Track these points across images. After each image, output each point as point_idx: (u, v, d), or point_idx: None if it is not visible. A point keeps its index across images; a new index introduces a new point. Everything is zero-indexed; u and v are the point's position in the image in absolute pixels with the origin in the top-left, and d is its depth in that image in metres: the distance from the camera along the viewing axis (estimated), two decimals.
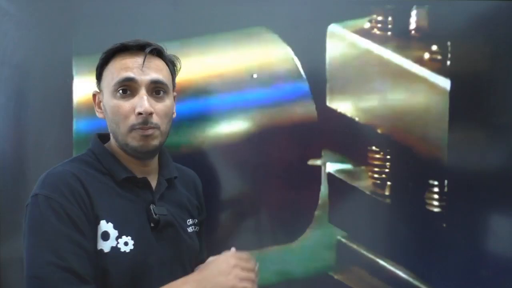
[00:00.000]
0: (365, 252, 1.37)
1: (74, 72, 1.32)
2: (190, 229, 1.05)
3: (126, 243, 0.91)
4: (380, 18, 1.35)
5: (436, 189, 1.36)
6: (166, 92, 0.96)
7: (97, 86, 1.00)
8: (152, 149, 0.95)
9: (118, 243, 0.90)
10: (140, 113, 0.91)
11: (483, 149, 1.37)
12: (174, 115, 1.03)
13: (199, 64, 1.33)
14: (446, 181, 1.35)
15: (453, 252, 1.37)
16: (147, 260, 0.93)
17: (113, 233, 0.90)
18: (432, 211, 1.36)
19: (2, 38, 1.33)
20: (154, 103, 0.94)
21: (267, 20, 1.34)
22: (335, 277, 1.37)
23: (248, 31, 1.35)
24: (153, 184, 1.00)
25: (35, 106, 1.33)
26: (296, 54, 1.35)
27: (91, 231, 0.88)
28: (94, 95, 1.00)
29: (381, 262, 1.37)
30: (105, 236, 0.89)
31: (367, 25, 1.35)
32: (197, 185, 1.17)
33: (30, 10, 1.33)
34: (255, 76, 1.35)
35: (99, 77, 0.98)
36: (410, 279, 1.37)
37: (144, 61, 0.93)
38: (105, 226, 0.89)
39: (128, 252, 0.90)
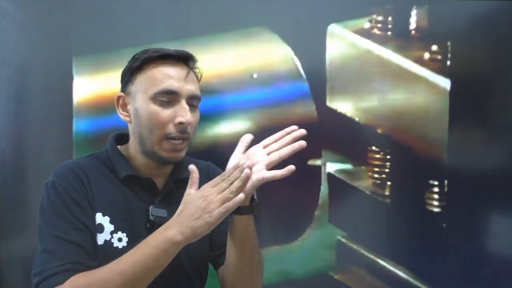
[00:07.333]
0: (365, 252, 1.37)
1: (74, 72, 1.32)
2: None
3: (120, 239, 0.93)
4: (380, 18, 1.35)
5: (436, 189, 1.36)
6: (197, 104, 0.99)
7: (124, 88, 0.99)
8: (179, 160, 0.97)
9: (112, 237, 0.92)
10: (181, 123, 0.93)
11: (483, 149, 1.37)
12: None
13: (199, 64, 1.33)
14: (446, 181, 1.35)
15: (453, 252, 1.37)
16: None
17: (109, 227, 0.93)
18: (432, 211, 1.36)
19: (2, 38, 1.33)
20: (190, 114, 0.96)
21: (267, 20, 1.34)
22: (335, 277, 1.37)
23: (248, 31, 1.35)
24: (162, 184, 1.00)
25: (35, 106, 1.33)
26: (296, 54, 1.35)
27: (91, 213, 0.92)
28: (118, 97, 0.99)
29: (381, 262, 1.37)
30: (100, 228, 0.92)
31: (367, 25, 1.35)
32: (211, 175, 1.08)
33: (30, 10, 1.33)
34: (255, 76, 1.35)
35: (129, 80, 0.97)
36: (410, 279, 1.37)
37: (187, 75, 0.96)
38: (101, 218, 0.92)
39: (120, 248, 0.92)
